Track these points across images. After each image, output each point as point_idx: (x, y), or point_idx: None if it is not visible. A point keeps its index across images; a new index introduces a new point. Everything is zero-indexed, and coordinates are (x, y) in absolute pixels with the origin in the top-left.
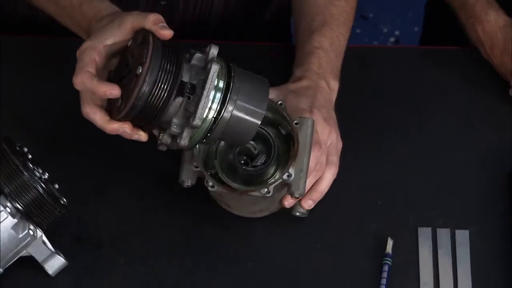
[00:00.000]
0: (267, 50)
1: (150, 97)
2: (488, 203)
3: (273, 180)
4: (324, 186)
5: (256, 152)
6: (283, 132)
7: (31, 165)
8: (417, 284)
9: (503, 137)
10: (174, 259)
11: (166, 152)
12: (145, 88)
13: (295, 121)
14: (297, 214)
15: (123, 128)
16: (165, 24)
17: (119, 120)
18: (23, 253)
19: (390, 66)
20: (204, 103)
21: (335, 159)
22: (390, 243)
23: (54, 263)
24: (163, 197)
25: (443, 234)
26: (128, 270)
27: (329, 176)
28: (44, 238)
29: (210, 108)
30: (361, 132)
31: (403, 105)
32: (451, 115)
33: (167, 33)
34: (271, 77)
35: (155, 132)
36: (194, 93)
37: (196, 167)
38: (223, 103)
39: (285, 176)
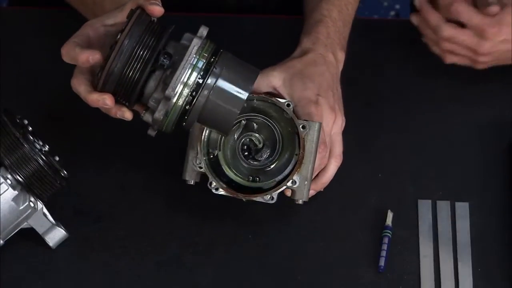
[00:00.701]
0: (283, 24)
1: (127, 65)
2: (488, 175)
3: (276, 187)
4: (327, 177)
5: (261, 145)
6: (288, 116)
7: (31, 137)
8: (417, 257)
9: (503, 109)
10: (175, 232)
11: None
12: (122, 52)
13: (302, 125)
14: (300, 202)
15: (103, 99)
16: (157, 2)
17: (100, 91)
18: (24, 225)
19: (391, 39)
20: (180, 74)
21: (339, 149)
22: (390, 215)
23: (55, 235)
24: (164, 170)
25: (443, 206)
26: (129, 242)
27: (333, 168)
28: (45, 210)
29: (185, 84)
30: (361, 105)
31: (403, 78)
32: (451, 87)
33: (156, 8)
34: (288, 53)
35: (139, 110)
36: (170, 61)
37: (200, 167)
38: (199, 84)
39: (289, 183)
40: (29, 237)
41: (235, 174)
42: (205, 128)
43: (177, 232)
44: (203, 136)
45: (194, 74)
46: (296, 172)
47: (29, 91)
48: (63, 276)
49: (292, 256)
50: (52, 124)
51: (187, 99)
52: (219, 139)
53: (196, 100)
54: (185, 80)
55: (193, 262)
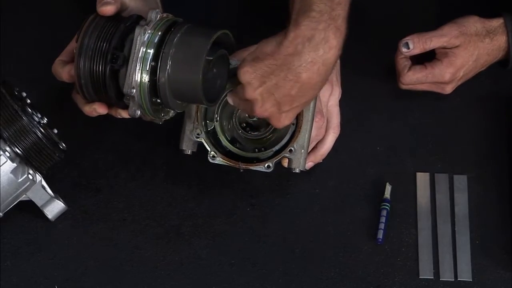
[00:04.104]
0: None
1: (91, 65)
2: (486, 148)
3: (274, 157)
4: (326, 149)
5: (256, 117)
6: None
7: (30, 110)
8: (415, 229)
9: (501, 82)
10: (173, 204)
11: None
12: (81, 58)
13: None
14: (297, 171)
15: (94, 109)
16: (108, 1)
17: (87, 101)
18: (23, 197)
19: (388, 15)
20: (131, 69)
21: (337, 121)
22: (388, 188)
23: (54, 208)
24: (163, 143)
25: (442, 179)
26: (127, 215)
27: (331, 139)
28: (44, 182)
29: (142, 71)
30: (359, 77)
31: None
32: None
33: (104, 9)
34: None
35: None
36: (120, 58)
37: (197, 137)
38: (154, 68)
39: (286, 153)
40: (28, 209)
41: (232, 144)
42: None
43: (176, 204)
44: (200, 107)
45: (148, 55)
46: (294, 141)
47: (28, 63)
48: (62, 248)
49: (290, 228)
50: (51, 97)
51: (149, 85)
52: (215, 110)
53: (158, 83)
54: (140, 67)
55: (192, 234)
